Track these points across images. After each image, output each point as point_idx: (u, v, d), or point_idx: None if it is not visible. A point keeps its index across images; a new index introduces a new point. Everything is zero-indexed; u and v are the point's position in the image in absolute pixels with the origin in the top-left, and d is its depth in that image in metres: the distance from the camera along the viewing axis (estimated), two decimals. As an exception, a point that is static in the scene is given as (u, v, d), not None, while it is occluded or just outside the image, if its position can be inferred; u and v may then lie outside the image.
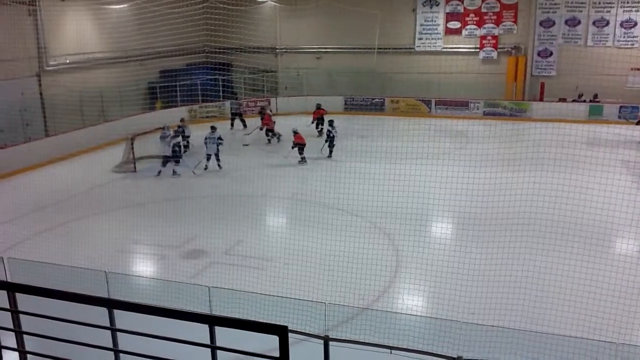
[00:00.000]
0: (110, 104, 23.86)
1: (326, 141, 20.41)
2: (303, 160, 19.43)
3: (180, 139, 19.26)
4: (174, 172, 18.50)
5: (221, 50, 23.43)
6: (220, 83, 26.84)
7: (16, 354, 5.26)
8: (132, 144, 19.26)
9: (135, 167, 19.15)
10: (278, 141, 22.42)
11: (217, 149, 18.69)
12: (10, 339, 5.30)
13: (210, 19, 20.62)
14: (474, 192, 13.04)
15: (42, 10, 22.06)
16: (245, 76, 29.36)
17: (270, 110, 26.02)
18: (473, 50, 28.87)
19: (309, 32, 31.06)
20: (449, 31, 29.24)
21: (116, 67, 24.67)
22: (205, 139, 18.85)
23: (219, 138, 18.83)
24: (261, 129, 22.99)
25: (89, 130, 22.07)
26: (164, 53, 24.70)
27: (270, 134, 22.87)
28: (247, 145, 22.15)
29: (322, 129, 23.02)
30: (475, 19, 28.71)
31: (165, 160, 18.59)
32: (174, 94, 26.59)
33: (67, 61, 23.29)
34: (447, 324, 7.41)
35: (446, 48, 29.16)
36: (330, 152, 20.31)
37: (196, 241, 12.92)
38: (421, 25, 29.58)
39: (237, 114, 25.81)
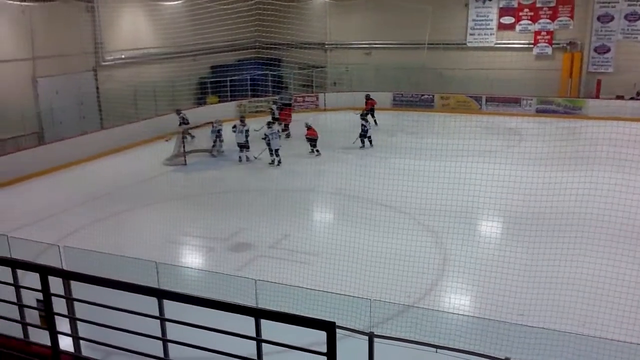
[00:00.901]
0: (162, 99, 24.36)
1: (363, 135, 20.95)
2: (317, 153, 19.92)
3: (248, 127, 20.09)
4: (240, 159, 19.63)
5: (271, 46, 23.60)
6: (270, 78, 27.04)
7: (70, 339, 5.46)
8: (183, 137, 19.67)
9: (185, 160, 19.54)
10: (287, 137, 22.69)
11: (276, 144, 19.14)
12: (64, 325, 5.50)
13: (262, 15, 20.78)
14: (525, 191, 12.75)
15: (99, 7, 22.73)
16: (295, 71, 29.48)
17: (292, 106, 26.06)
18: (527, 46, 28.14)
19: (359, 28, 30.92)
20: (502, 26, 28.59)
21: (169, 63, 25.19)
22: (265, 135, 19.07)
23: (247, 130, 19.63)
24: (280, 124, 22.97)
25: (142, 123, 22.63)
26: (216, 49, 25.06)
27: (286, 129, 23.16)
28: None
29: (375, 120, 23.51)
30: (529, 14, 27.96)
31: (241, 147, 19.68)
32: (224, 89, 26.96)
33: (122, 56, 23.94)
34: (494, 325, 7.25)
35: (499, 44, 28.54)
36: (363, 143, 20.88)
37: (243, 234, 13.08)
38: (473, 20, 29.02)
39: (288, 105, 25.67)
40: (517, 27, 28.29)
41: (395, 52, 30.10)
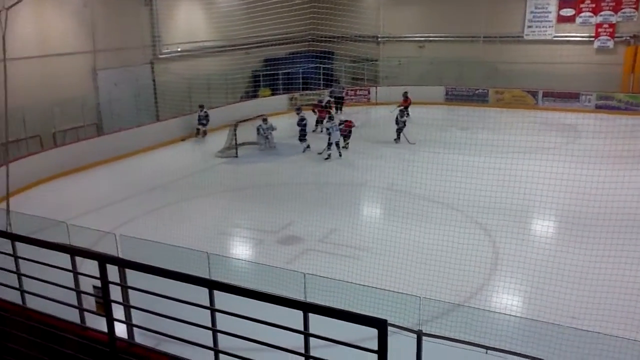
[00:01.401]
0: (216, 91, 24.74)
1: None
2: (345, 145, 19.89)
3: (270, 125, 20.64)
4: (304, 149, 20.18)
5: (324, 39, 23.60)
6: (322, 72, 27.07)
7: (123, 325, 5.62)
8: (235, 130, 19.93)
9: (237, 153, 19.81)
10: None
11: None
12: (118, 312, 5.67)
13: (317, 7, 20.79)
14: (582, 189, 12.33)
15: (157, 1, 23.24)
16: (347, 65, 29.40)
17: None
18: (587, 39, 27.15)
19: (412, 20, 30.57)
20: (561, 19, 27.69)
21: (223, 56, 25.57)
22: (327, 128, 19.31)
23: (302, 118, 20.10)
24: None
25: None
26: (269, 42, 25.25)
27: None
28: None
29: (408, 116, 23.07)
30: (591, 5, 26.96)
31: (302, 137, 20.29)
32: (276, 82, 27.17)
33: (179, 49, 24.42)
34: (546, 327, 7.07)
35: (557, 37, 27.65)
36: (399, 137, 20.98)
37: (292, 227, 13.17)
38: (531, 12, 28.21)
39: (340, 98, 25.66)
40: (578, 20, 27.33)
41: (449, 46, 29.61)
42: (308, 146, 20.07)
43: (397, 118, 21.08)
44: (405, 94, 23.46)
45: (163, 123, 22.20)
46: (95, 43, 20.88)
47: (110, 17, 21.01)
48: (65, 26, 20.15)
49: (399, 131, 20.90)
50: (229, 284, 4.64)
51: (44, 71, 19.06)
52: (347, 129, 20.01)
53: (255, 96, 27.56)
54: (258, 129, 20.58)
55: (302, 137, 20.19)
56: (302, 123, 20.20)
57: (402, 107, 22.36)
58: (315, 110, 23.06)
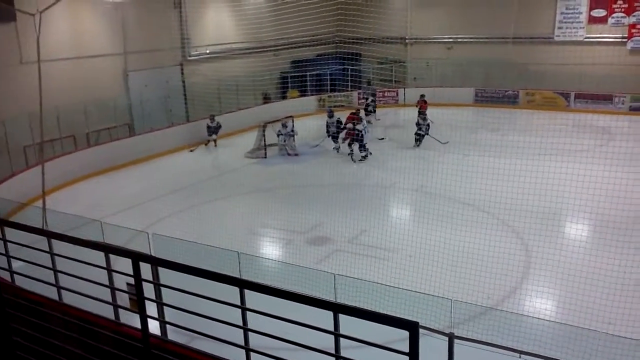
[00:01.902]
0: (244, 93, 24.90)
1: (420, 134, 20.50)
2: (364, 154, 19.10)
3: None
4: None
5: (352, 40, 23.57)
6: (350, 73, 27.05)
7: (156, 322, 5.68)
8: (264, 131, 20.04)
9: (266, 154, 19.91)
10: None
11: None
12: (151, 309, 5.73)
13: (344, 9, 20.79)
14: (616, 193, 12.09)
15: (186, 3, 23.51)
16: (374, 66, 29.34)
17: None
18: (620, 40, 26.58)
19: (440, 22, 30.33)
20: (592, 19, 27.19)
21: (251, 57, 25.74)
22: (359, 130, 19.03)
23: (338, 121, 20.03)
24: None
25: (224, 117, 23.26)
26: (297, 44, 25.33)
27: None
28: (382, 139, 21.98)
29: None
30: (623, 6, 26.40)
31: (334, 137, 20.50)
32: (304, 83, 27.23)
33: (207, 51, 24.67)
34: (581, 332, 6.93)
35: (589, 37, 27.15)
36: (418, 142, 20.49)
37: (322, 228, 13.17)
38: (562, 13, 27.76)
39: (372, 101, 25.42)
40: (610, 20, 26.80)
41: (478, 47, 29.30)
42: (338, 148, 20.04)
43: (418, 122, 20.73)
44: (422, 97, 23.18)
45: (193, 123, 22.42)
46: (126, 45, 21.22)
47: (141, 19, 21.31)
48: (97, 28, 20.53)
49: (420, 136, 20.57)
50: (259, 284, 4.65)
51: (77, 72, 19.46)
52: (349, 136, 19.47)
53: (284, 97, 27.70)
54: (278, 134, 20.40)
55: (335, 136, 20.29)
56: (336, 123, 20.32)
57: (421, 110, 22.04)
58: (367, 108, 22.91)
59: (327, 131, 20.81)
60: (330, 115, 20.93)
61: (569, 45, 27.05)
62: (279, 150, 20.47)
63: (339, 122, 20.42)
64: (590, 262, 10.18)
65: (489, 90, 28.25)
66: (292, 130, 20.39)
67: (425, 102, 22.82)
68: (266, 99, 26.73)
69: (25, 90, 15.26)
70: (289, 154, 20.08)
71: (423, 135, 20.49)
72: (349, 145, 19.32)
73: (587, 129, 21.67)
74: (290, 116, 20.91)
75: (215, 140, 21.99)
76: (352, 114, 20.42)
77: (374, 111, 24.91)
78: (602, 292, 9.00)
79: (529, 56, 27.65)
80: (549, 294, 9.97)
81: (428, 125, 20.51)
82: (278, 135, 20.38)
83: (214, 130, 21.91)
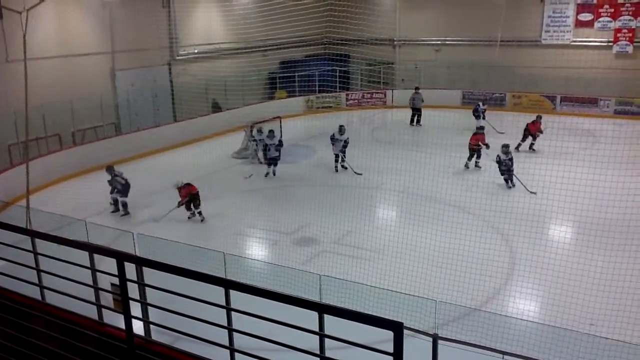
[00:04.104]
0: (232, 93, 24.84)
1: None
2: (193, 215, 14.17)
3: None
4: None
5: (340, 42, 23.60)
6: (338, 74, 27.09)
7: (139, 322, 5.66)
8: (251, 131, 20.00)
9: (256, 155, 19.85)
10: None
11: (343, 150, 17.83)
12: (134, 309, 5.71)
13: (333, 10, 20.81)
14: (600, 195, 12.23)
15: (175, 3, 23.42)
16: (363, 67, 29.40)
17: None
18: (606, 44, 26.86)
19: (429, 24, 30.46)
20: (579, 23, 27.42)
21: (239, 58, 25.67)
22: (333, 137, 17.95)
23: (346, 141, 17.84)
24: None
25: (212, 117, 23.19)
26: (285, 44, 25.33)
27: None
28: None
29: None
30: (609, 10, 26.67)
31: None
32: (292, 84, 27.23)
33: (195, 51, 24.59)
34: (563, 333, 7.01)
35: (575, 41, 27.38)
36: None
37: (308, 229, 13.18)
38: (549, 17, 27.98)
39: (418, 109, 24.67)
40: (596, 25, 27.05)
41: (466, 49, 29.46)
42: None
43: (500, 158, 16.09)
44: (539, 118, 19.91)
45: (180, 123, 22.32)
46: (113, 44, 21.12)
47: (129, 18, 21.18)
48: (84, 27, 20.40)
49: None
50: (244, 284, 4.66)
51: (63, 71, 19.32)
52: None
53: (271, 98, 27.66)
54: (252, 139, 19.46)
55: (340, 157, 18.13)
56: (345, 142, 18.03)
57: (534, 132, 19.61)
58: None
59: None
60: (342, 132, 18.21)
61: (555, 48, 27.26)
62: (251, 157, 19.61)
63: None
64: (573, 263, 10.29)
65: (476, 92, 28.40)
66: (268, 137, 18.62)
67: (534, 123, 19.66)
68: (216, 109, 25.09)
69: (11, 89, 15.16)
70: (260, 162, 19.03)
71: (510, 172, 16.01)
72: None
73: (573, 132, 21.86)
74: (278, 117, 20.89)
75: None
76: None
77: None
78: (584, 294, 9.11)
79: (516, 59, 27.85)
80: (533, 295, 10.06)
81: (511, 159, 16.02)
82: (252, 141, 19.65)
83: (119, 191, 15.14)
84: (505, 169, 15.78)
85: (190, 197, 13.86)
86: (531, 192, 14.93)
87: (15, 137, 16.37)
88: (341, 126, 18.22)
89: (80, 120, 19.57)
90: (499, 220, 12.91)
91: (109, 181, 14.84)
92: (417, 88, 25.14)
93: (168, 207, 13.97)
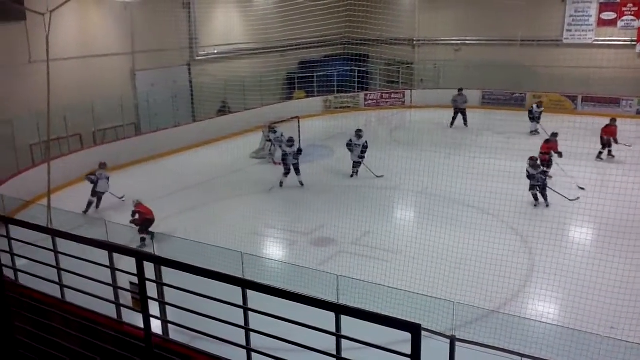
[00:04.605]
0: (251, 93, 24.93)
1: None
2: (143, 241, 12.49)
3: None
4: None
5: (359, 42, 23.54)
6: (356, 74, 27.04)
7: (158, 321, 5.71)
8: (269, 131, 20.04)
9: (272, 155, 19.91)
10: None
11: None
12: (153, 308, 5.76)
13: (352, 10, 20.77)
14: (621, 197, 12.05)
15: (195, 3, 23.57)
16: (381, 67, 29.31)
17: None
18: (629, 43, 26.44)
19: (449, 24, 30.23)
20: (602, 22, 27.05)
21: (258, 58, 25.76)
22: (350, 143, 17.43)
23: (364, 146, 17.21)
24: None
25: (231, 117, 23.28)
26: (304, 44, 25.34)
27: None
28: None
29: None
30: (633, 9, 26.25)
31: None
32: (311, 84, 27.25)
33: (215, 51, 24.73)
34: (583, 336, 6.92)
35: (598, 40, 27.01)
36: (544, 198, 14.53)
37: (325, 229, 13.18)
38: (571, 16, 27.65)
39: (461, 110, 24.01)
40: (619, 23, 26.67)
41: (486, 49, 29.18)
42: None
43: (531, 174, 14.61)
44: (554, 136, 17.03)
45: (199, 123, 22.46)
46: (134, 45, 21.32)
47: (149, 19, 21.36)
48: (105, 28, 20.63)
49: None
50: (262, 284, 4.66)
51: (85, 72, 19.56)
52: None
53: (290, 98, 27.71)
54: (267, 139, 19.59)
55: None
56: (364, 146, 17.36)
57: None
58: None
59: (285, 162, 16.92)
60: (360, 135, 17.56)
61: (577, 48, 26.94)
62: (268, 157, 19.67)
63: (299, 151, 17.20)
64: (594, 266, 10.15)
65: (496, 92, 28.17)
66: (282, 136, 18.97)
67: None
68: (223, 111, 24.64)
69: (33, 89, 15.36)
70: (274, 163, 19.08)
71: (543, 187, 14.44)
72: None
73: (595, 132, 21.57)
74: (296, 117, 20.91)
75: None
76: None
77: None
78: (604, 296, 8.98)
79: (537, 59, 27.54)
80: (552, 298, 9.95)
81: (544, 172, 14.60)
82: (267, 141, 19.80)
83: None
84: (540, 184, 14.25)
85: (145, 223, 12.64)
86: (580, 188, 14.17)
87: (37, 137, 16.60)
88: (359, 130, 17.57)
89: (101, 120, 19.81)
90: (518, 221, 12.81)
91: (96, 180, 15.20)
92: (460, 89, 24.57)
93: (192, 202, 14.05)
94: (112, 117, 20.31)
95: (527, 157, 14.69)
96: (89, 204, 15.03)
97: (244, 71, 24.85)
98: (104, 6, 20.53)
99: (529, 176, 14.35)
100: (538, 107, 22.41)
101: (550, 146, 16.19)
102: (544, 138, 17.53)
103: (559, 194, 14.14)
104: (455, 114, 23.93)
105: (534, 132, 21.54)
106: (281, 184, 16.73)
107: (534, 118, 22.00)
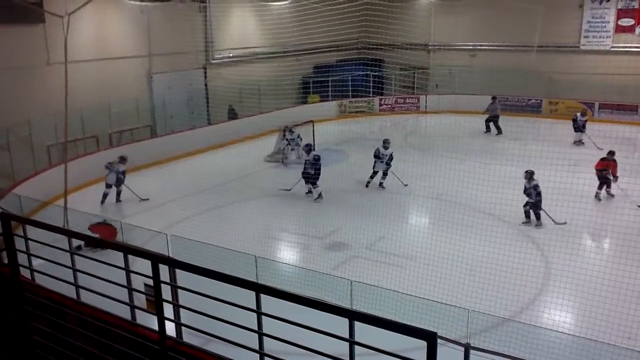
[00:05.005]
0: (266, 97, 25.00)
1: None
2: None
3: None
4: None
5: (374, 46, 23.52)
6: (371, 79, 27.01)
7: (172, 324, 5.72)
8: (284, 135, 20.10)
9: (285, 157, 19.96)
10: None
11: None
12: (167, 310, 5.78)
13: (368, 16, 20.75)
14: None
15: (211, 7, 23.71)
16: (396, 72, 29.26)
17: None
18: (648, 50, 26.21)
19: (464, 29, 30.12)
20: (620, 29, 26.80)
21: (274, 62, 25.84)
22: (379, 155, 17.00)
23: (390, 157, 16.89)
24: None
25: (246, 120, 23.35)
26: (320, 49, 25.38)
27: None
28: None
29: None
30: (652, 15, 26.05)
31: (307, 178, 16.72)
32: (325, 88, 27.27)
33: (231, 55, 24.85)
34: (599, 347, 6.84)
35: (615, 47, 26.77)
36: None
37: (339, 233, 13.15)
38: (588, 22, 27.43)
39: (494, 117, 23.74)
40: (638, 30, 26.42)
41: (502, 55, 29.04)
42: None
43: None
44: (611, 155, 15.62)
45: (214, 126, 22.55)
46: (150, 48, 21.48)
47: (166, 22, 21.53)
48: (123, 31, 20.83)
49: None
50: (275, 288, 4.66)
51: (101, 74, 19.74)
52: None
53: (304, 102, 27.76)
54: (284, 138, 19.82)
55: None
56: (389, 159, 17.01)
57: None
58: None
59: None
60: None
61: (595, 54, 26.71)
62: (282, 159, 19.86)
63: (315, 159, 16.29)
64: (611, 275, 10.03)
65: (512, 98, 28.00)
66: (299, 137, 19.54)
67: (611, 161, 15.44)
68: (232, 115, 24.59)
69: (51, 91, 15.51)
70: (284, 163, 19.35)
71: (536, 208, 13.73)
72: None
73: (612, 140, 21.34)
74: (311, 121, 20.94)
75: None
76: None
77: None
78: (622, 306, 8.86)
79: (553, 65, 27.31)
80: (567, 307, 9.84)
81: (535, 186, 13.73)
82: (284, 140, 20.04)
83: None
84: (532, 201, 13.48)
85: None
86: (559, 224, 13.19)
87: (54, 138, 16.77)
88: (386, 140, 17.13)
89: (117, 122, 19.98)
90: (532, 228, 12.68)
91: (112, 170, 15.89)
92: (494, 97, 24.40)
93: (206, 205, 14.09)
94: (129, 119, 20.49)
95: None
96: (104, 195, 15.77)
97: (259, 75, 24.94)
98: (121, 9, 20.73)
99: (524, 190, 13.75)
100: (582, 115, 21.65)
101: (606, 164, 15.08)
102: (590, 148, 16.78)
103: (548, 215, 13.43)
104: (488, 121, 23.73)
105: (579, 143, 20.84)
106: (320, 195, 15.94)
107: (579, 127, 21.18)
